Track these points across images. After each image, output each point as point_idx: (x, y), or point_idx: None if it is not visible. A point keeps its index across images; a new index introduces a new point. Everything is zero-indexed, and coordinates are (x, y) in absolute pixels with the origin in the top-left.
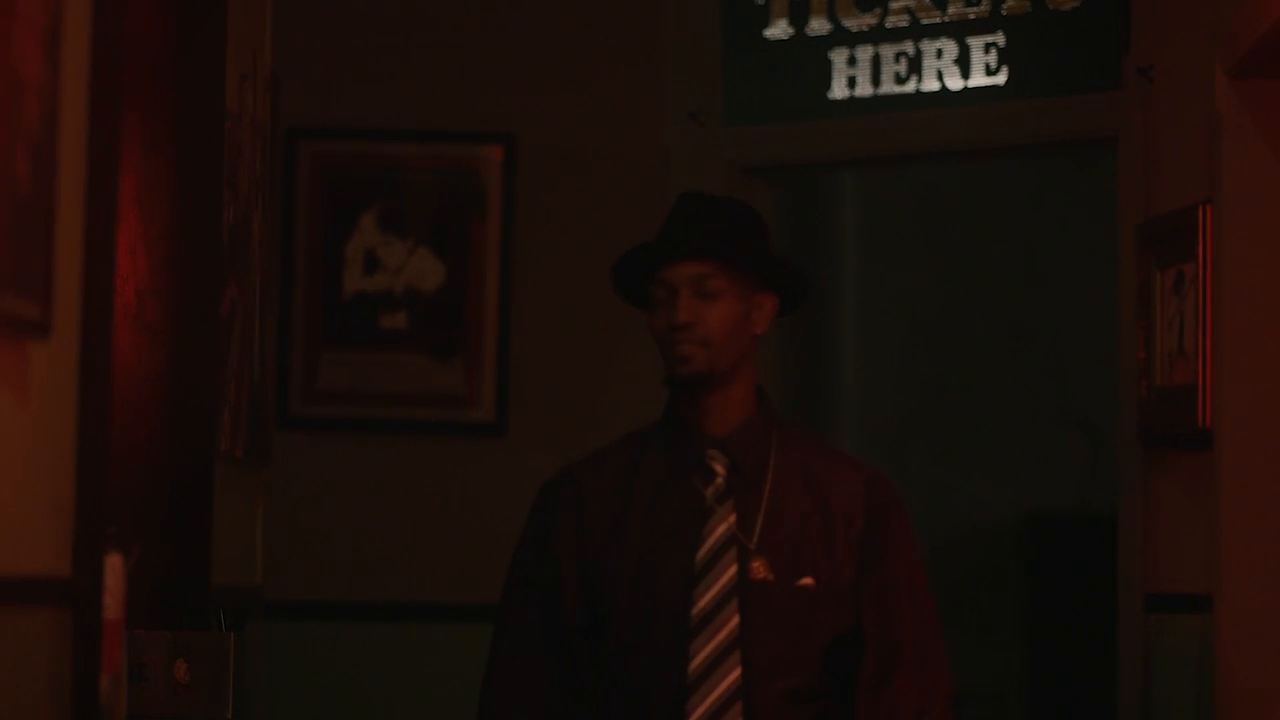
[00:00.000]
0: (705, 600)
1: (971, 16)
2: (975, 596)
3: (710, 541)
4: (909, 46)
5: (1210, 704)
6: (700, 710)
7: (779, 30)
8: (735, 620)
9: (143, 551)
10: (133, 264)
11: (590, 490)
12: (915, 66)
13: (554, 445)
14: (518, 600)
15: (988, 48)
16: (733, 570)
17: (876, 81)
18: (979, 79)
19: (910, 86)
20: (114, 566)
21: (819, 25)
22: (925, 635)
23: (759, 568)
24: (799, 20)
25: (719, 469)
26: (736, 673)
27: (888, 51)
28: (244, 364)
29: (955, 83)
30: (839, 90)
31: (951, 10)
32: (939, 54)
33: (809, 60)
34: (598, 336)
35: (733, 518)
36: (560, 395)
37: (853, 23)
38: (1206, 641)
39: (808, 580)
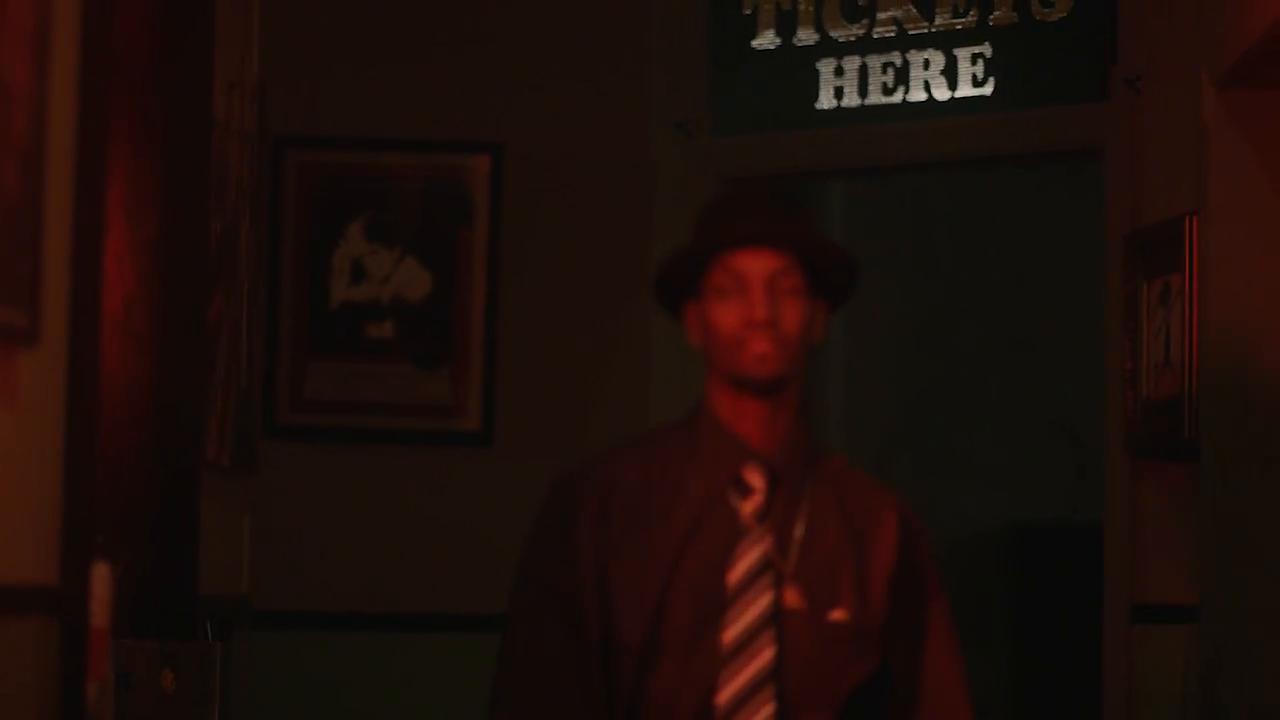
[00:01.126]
0: (737, 628)
1: (959, 27)
2: (961, 607)
3: (744, 564)
4: (896, 57)
5: (1196, 715)
6: None
7: (766, 41)
8: (770, 651)
9: (129, 560)
10: (120, 272)
11: (616, 490)
12: (902, 77)
13: (541, 455)
14: (536, 609)
15: (975, 58)
16: (768, 597)
17: (864, 92)
18: (966, 90)
19: (897, 97)
20: (101, 575)
21: (806, 36)
22: (955, 682)
23: (793, 596)
24: (786, 31)
25: (757, 484)
26: (770, 708)
27: (875, 62)
28: (231, 373)
29: (942, 93)
30: (826, 101)
31: (939, 21)
32: (926, 65)
33: (796, 71)
34: (585, 346)
35: (770, 540)
36: (547, 405)
37: (840, 33)
38: (1192, 653)
39: (840, 614)
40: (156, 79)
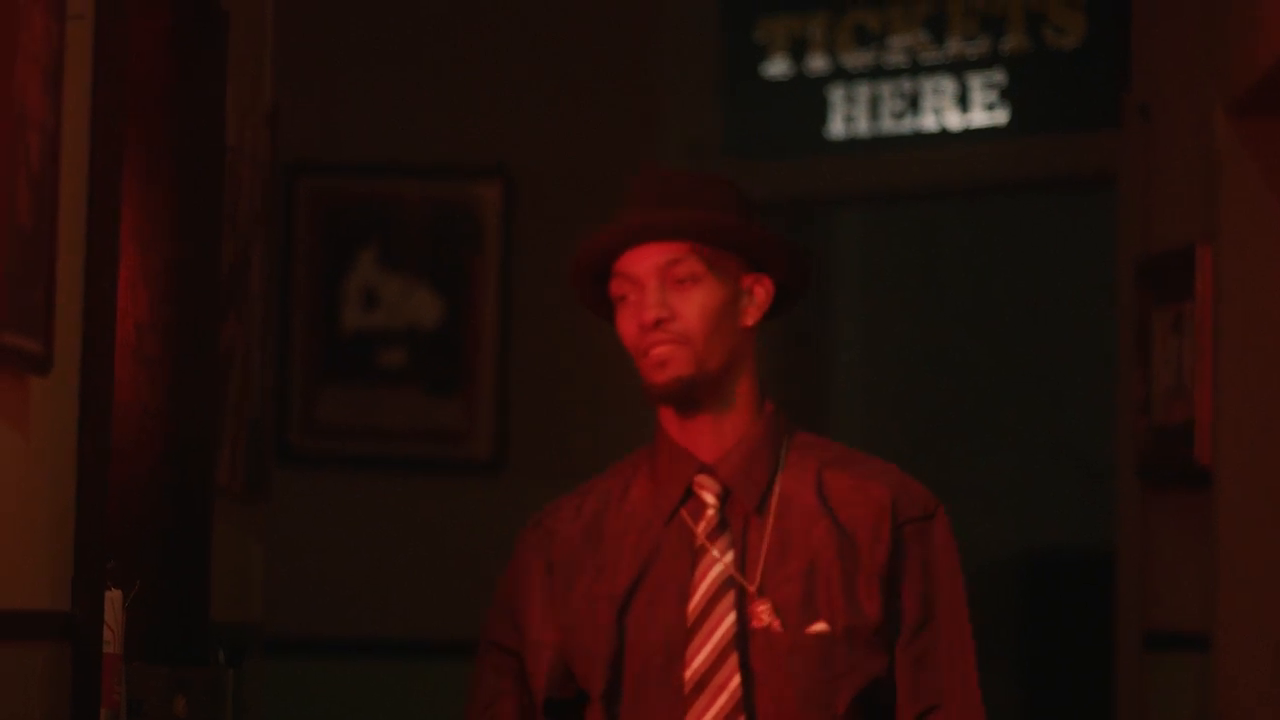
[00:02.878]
0: (700, 660)
1: (971, 54)
2: (973, 632)
3: (704, 588)
4: (908, 84)
5: None
6: None
7: (778, 66)
8: (735, 681)
9: (142, 586)
10: (132, 299)
11: (562, 537)
12: (915, 104)
13: (553, 481)
14: (487, 666)
15: (987, 85)
16: (730, 620)
17: (875, 119)
18: (978, 117)
19: (910, 124)
20: (113, 601)
21: (818, 62)
22: (964, 690)
23: (762, 614)
24: (798, 56)
25: (709, 498)
26: None
27: (887, 89)
28: (243, 399)
29: (955, 120)
30: (838, 127)
31: (951, 48)
32: (938, 92)
33: (808, 97)
34: (596, 372)
35: (729, 556)
36: (559, 431)
37: (852, 60)
38: (1204, 681)
39: (821, 625)
40: (169, 106)
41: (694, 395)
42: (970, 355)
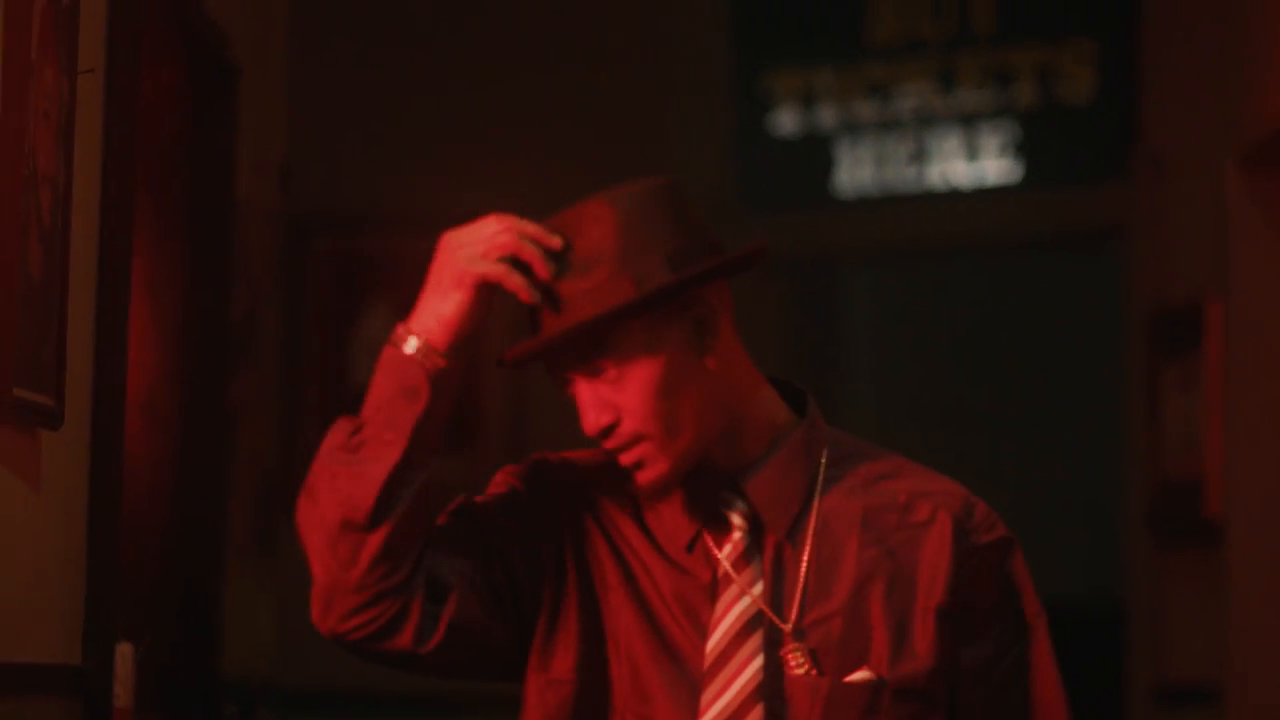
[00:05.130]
0: (717, 710)
1: (981, 108)
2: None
3: (725, 625)
4: (918, 137)
5: None
6: None
7: (787, 119)
8: None
9: (153, 640)
10: (143, 354)
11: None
12: (924, 158)
13: None
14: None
15: (997, 139)
16: (756, 665)
17: (884, 172)
18: (987, 171)
19: (919, 178)
20: (124, 655)
21: (828, 116)
22: None
23: (797, 659)
24: (807, 109)
25: (735, 519)
26: None
27: (895, 143)
28: (254, 453)
29: (964, 174)
30: (847, 181)
31: (961, 102)
32: (948, 145)
33: (817, 151)
34: None
35: (758, 588)
36: None
37: (861, 114)
38: None
39: (864, 673)
40: (180, 160)
41: (692, 469)
42: (980, 409)
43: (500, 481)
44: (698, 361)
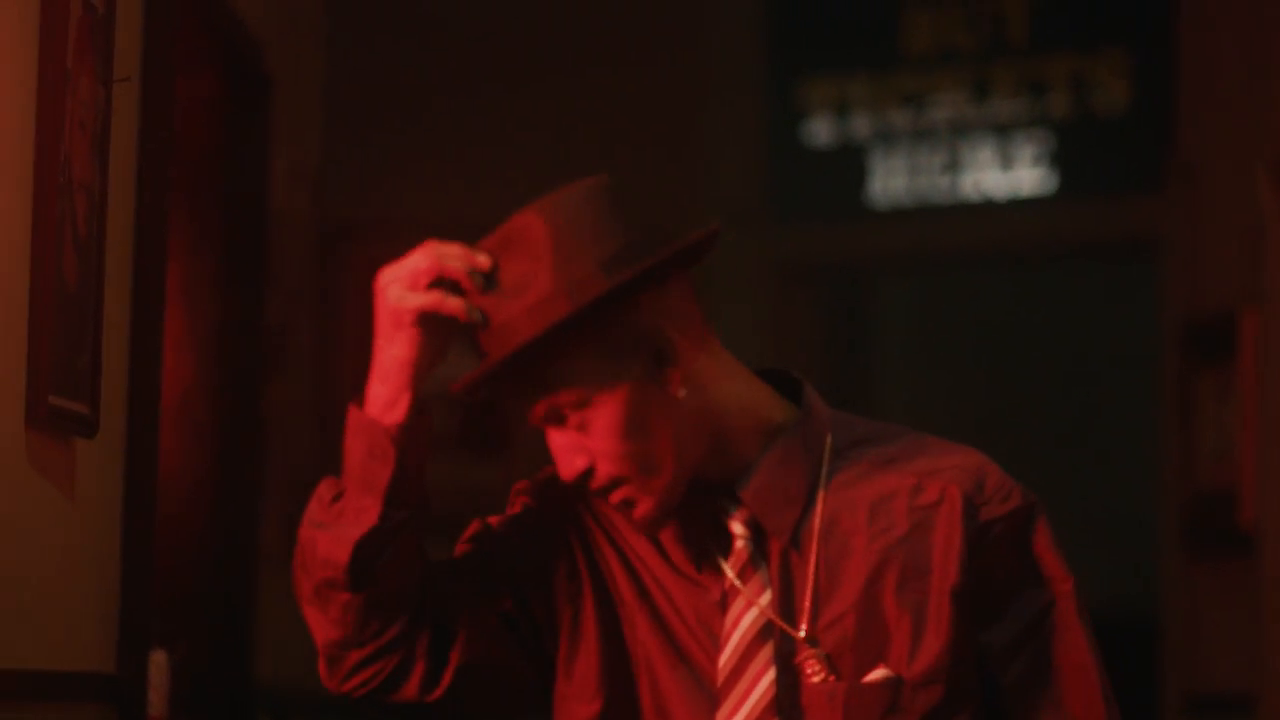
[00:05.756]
0: None
1: (1015, 118)
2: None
3: (735, 640)
4: (951, 147)
5: None
6: None
7: (820, 129)
8: None
9: (187, 648)
10: (178, 362)
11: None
12: (958, 168)
13: None
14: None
15: (1030, 149)
16: (769, 678)
17: (918, 183)
18: (1021, 181)
19: (953, 188)
20: (158, 663)
21: (862, 126)
22: (1090, 696)
23: (813, 666)
24: (842, 121)
25: (736, 528)
26: None
27: (930, 153)
28: (287, 460)
29: (998, 184)
30: (880, 191)
31: (995, 112)
32: (982, 155)
33: (850, 161)
34: None
35: (766, 597)
36: None
37: (895, 123)
38: None
39: (881, 671)
40: (214, 169)
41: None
42: (1013, 419)
43: (514, 500)
44: (663, 393)
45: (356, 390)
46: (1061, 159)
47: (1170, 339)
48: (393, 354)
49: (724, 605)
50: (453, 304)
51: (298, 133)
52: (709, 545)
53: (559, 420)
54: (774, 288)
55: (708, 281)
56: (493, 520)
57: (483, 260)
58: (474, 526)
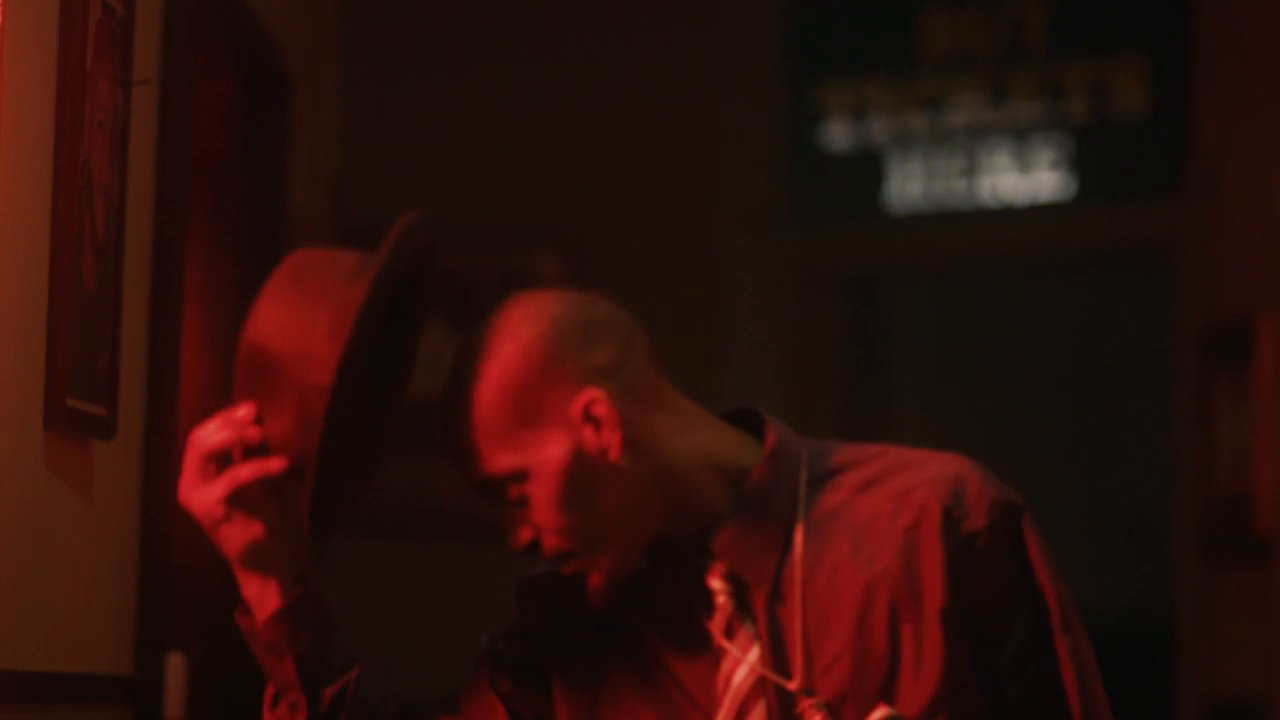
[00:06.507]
0: None
1: (1032, 122)
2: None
3: (728, 702)
4: (968, 152)
5: None
6: None
7: (838, 134)
8: None
9: (203, 651)
10: (196, 365)
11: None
12: (975, 173)
13: None
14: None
15: (1048, 153)
16: None
17: (935, 187)
18: (1040, 185)
19: (970, 193)
20: (175, 666)
21: (879, 130)
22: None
23: (814, 718)
24: (859, 125)
25: (715, 584)
26: None
27: (947, 157)
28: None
29: (1016, 189)
30: (897, 196)
31: (1012, 116)
32: (999, 160)
33: (867, 165)
34: None
35: (754, 653)
36: None
37: (912, 128)
38: None
39: (881, 711)
40: (233, 172)
41: (641, 558)
42: (1030, 424)
43: (518, 596)
44: (601, 462)
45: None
46: (1080, 163)
47: (1188, 344)
48: (233, 553)
49: (714, 667)
50: (249, 470)
51: (316, 135)
52: (694, 606)
53: (498, 493)
54: (791, 291)
55: (731, 288)
56: (481, 659)
57: (244, 413)
58: (479, 671)
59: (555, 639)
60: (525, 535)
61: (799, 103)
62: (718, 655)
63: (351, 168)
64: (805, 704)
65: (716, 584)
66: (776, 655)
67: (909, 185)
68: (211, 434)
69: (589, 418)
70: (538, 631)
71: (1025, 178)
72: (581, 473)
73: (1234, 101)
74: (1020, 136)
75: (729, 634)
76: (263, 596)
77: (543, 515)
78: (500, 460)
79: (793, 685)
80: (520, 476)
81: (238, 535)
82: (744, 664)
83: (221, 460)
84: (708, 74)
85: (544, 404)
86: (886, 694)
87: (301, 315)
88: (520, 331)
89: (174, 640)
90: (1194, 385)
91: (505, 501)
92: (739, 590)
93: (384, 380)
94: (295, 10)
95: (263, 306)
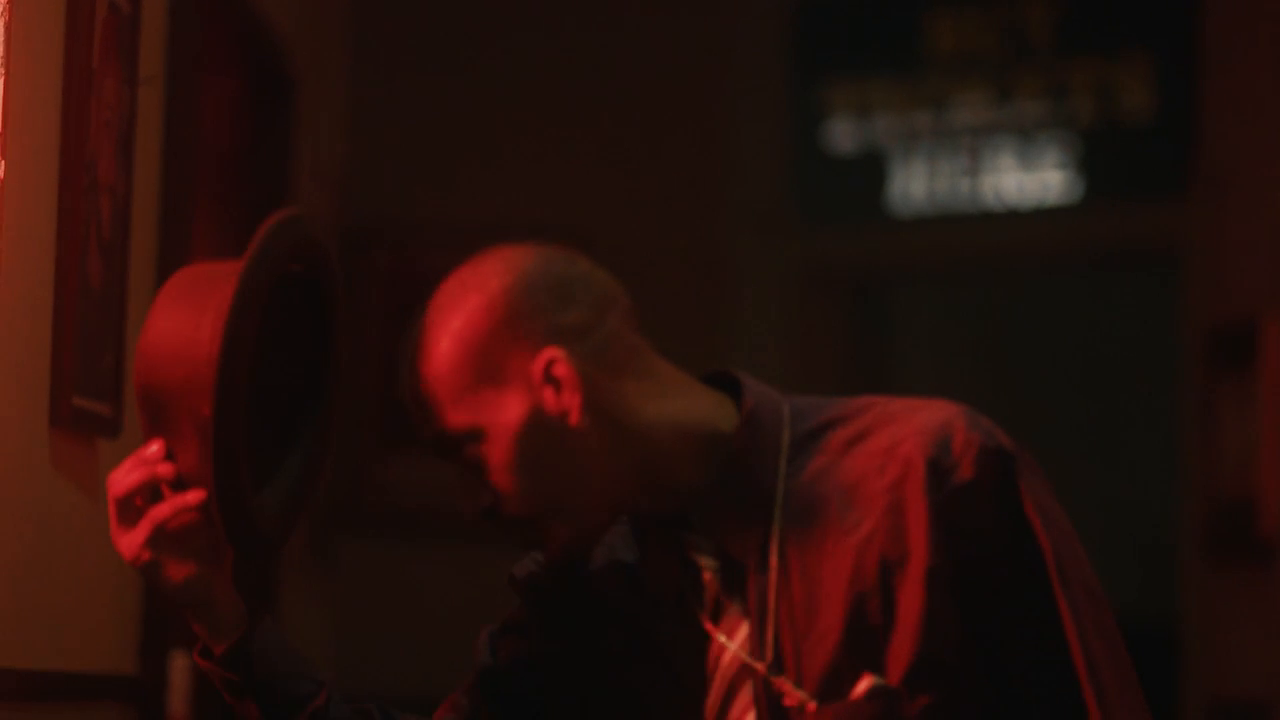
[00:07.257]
0: None
1: (1038, 122)
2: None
3: (719, 681)
4: (974, 152)
5: None
6: None
7: (843, 133)
8: None
9: None
10: None
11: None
12: (979, 174)
13: None
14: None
15: (1053, 153)
16: (751, 717)
17: (940, 187)
18: (1045, 185)
19: (974, 194)
20: (179, 665)
21: (884, 129)
22: (1120, 687)
23: (790, 692)
24: (863, 124)
25: (703, 561)
26: None
27: (952, 157)
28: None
29: (1021, 189)
30: (902, 195)
31: (1018, 116)
32: (1004, 162)
33: (872, 165)
34: None
35: (742, 633)
36: None
37: (917, 127)
38: None
39: (866, 682)
40: (238, 171)
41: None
42: (1034, 426)
43: (481, 647)
44: (561, 426)
45: (380, 394)
46: (1085, 164)
47: (1192, 346)
48: (168, 595)
49: (703, 649)
50: (162, 512)
51: (321, 133)
52: (683, 585)
53: (454, 452)
54: (795, 291)
55: (737, 287)
56: (476, 661)
57: (154, 451)
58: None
59: (548, 628)
60: (484, 499)
61: (803, 102)
62: (708, 634)
63: (356, 166)
64: (781, 682)
65: (705, 560)
66: (763, 633)
67: (914, 185)
68: (124, 476)
69: (549, 378)
70: (532, 622)
71: (1030, 178)
72: (540, 435)
73: (1240, 102)
74: (1025, 137)
75: (718, 612)
76: (213, 633)
77: (499, 478)
78: (456, 417)
79: (762, 666)
80: (476, 436)
81: (171, 575)
82: (731, 642)
83: (148, 499)
84: (712, 74)
85: (506, 362)
86: (879, 665)
87: (185, 339)
88: (488, 284)
89: (178, 639)
90: (1199, 387)
91: (461, 462)
92: (726, 566)
93: (308, 378)
94: (300, 8)
95: (148, 336)
